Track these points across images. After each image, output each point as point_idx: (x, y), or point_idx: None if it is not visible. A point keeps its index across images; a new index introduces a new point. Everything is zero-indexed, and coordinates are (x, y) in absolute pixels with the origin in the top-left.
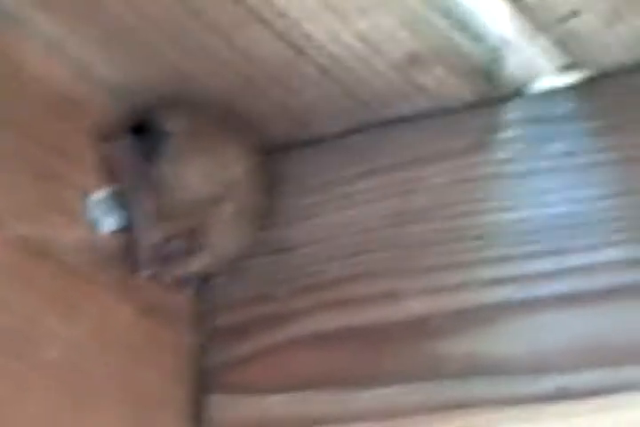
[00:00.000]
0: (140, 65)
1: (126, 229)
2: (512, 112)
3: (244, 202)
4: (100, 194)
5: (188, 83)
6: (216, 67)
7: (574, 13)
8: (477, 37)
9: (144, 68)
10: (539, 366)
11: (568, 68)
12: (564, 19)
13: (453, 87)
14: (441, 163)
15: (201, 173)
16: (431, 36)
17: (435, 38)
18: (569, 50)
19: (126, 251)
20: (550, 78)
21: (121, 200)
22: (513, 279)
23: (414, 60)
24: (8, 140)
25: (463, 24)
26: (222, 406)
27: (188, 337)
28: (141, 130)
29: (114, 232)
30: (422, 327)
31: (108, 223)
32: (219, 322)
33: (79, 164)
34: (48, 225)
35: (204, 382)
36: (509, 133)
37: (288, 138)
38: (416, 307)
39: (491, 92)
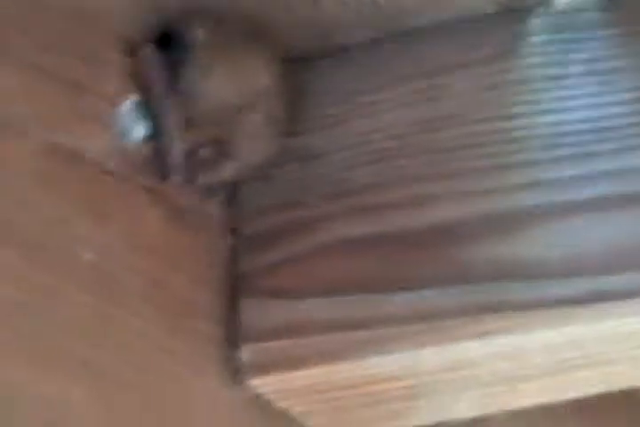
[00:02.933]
0: None
1: (155, 138)
2: (537, 21)
3: (270, 110)
4: (127, 103)
5: None
6: None
7: None
8: None
9: None
10: (572, 270)
11: None
12: None
13: None
14: (467, 70)
15: (226, 82)
16: None
17: None
18: None
19: (156, 158)
20: None
21: (148, 109)
22: (544, 183)
23: None
24: (33, 51)
25: None
26: (253, 310)
27: (217, 243)
28: (167, 40)
29: (144, 140)
30: (453, 232)
31: (137, 131)
32: (248, 228)
33: (106, 73)
34: (77, 133)
35: (234, 288)
36: (535, 40)
37: (312, 48)
38: (446, 211)
39: (515, 2)
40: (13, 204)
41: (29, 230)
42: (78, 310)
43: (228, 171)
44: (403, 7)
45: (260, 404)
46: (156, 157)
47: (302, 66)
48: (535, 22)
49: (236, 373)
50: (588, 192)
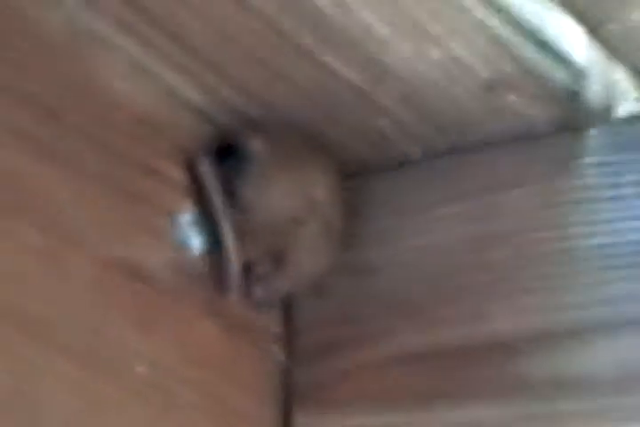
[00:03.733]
0: (224, 87)
1: (213, 250)
2: (596, 138)
3: (326, 223)
4: (186, 215)
5: (269, 107)
6: (297, 94)
7: None
8: (561, 61)
9: (228, 91)
10: (624, 387)
11: None
12: None
13: (532, 115)
14: (523, 187)
15: (284, 195)
16: (516, 60)
17: (519, 62)
18: None
19: (213, 272)
20: (634, 104)
21: (207, 222)
22: (597, 302)
23: (497, 84)
24: (96, 162)
25: (547, 48)
26: (306, 423)
27: (273, 356)
28: (225, 152)
29: (201, 253)
30: (508, 348)
31: (196, 244)
32: (304, 341)
33: (165, 185)
34: (136, 245)
35: (289, 401)
36: (594, 159)
37: (369, 162)
38: (502, 328)
39: (574, 118)
40: (72, 316)
41: (86, 340)
42: (132, 421)
43: (283, 284)
44: (461, 120)
45: None
46: (213, 270)
47: (359, 180)
48: (592, 141)
49: None
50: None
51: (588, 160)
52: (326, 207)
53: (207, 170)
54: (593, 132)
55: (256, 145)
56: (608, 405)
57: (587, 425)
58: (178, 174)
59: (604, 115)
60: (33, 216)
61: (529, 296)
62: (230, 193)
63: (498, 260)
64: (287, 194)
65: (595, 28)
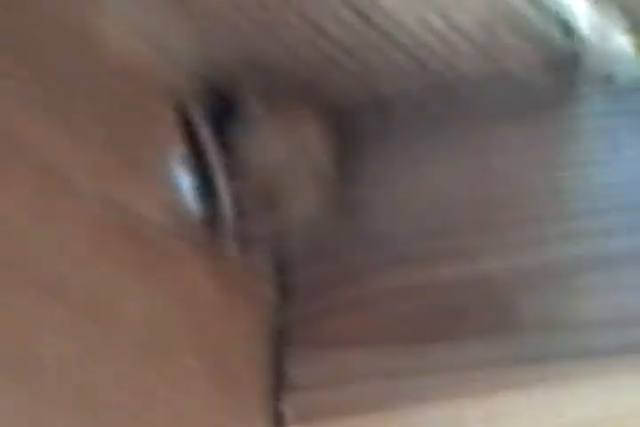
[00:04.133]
0: (216, 36)
1: (205, 190)
2: (592, 105)
3: (317, 164)
4: (177, 155)
5: (262, 53)
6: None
7: None
8: (563, 27)
9: (221, 40)
10: (618, 320)
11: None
12: None
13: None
14: (519, 125)
15: (274, 136)
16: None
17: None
18: None
19: (205, 210)
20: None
21: (198, 162)
22: (595, 233)
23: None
24: (84, 104)
25: (549, 14)
26: (301, 360)
27: (264, 294)
28: (216, 94)
29: (192, 195)
30: (500, 283)
31: (187, 184)
32: (295, 279)
33: (155, 126)
34: (126, 186)
35: (282, 338)
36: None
37: (359, 102)
38: (491, 262)
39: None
40: (66, 260)
41: (80, 284)
42: (131, 363)
43: (273, 222)
44: (449, 63)
45: None
46: (205, 211)
47: (349, 120)
48: (591, 106)
49: (280, 422)
50: (632, 242)
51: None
52: (316, 149)
53: (198, 113)
54: (592, 97)
55: (245, 88)
56: (600, 342)
57: (576, 368)
58: (169, 116)
59: (604, 81)
60: (26, 161)
61: (523, 227)
62: (221, 135)
63: (487, 193)
64: (277, 136)
65: None
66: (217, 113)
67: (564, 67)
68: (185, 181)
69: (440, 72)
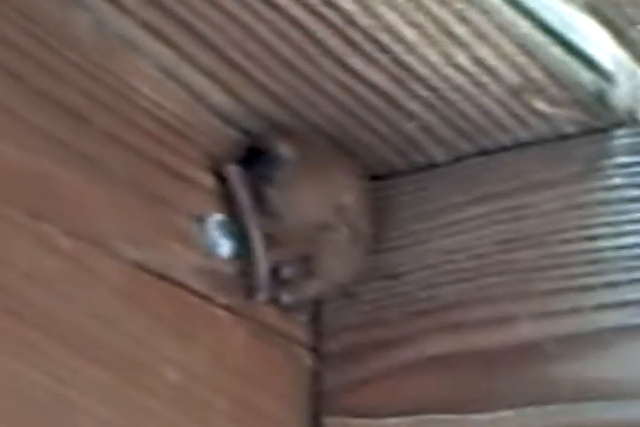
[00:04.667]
0: (251, 92)
1: (241, 255)
2: (623, 139)
3: (354, 228)
4: (214, 219)
5: (297, 112)
6: (324, 98)
7: None
8: (588, 64)
9: (255, 96)
10: None
11: None
12: None
13: (557, 119)
14: (551, 189)
15: (312, 199)
16: (545, 62)
17: (545, 66)
18: None
19: (241, 277)
20: None
21: (235, 226)
22: (624, 304)
23: (526, 86)
24: (122, 166)
25: (574, 51)
26: None
27: (302, 361)
28: (254, 157)
29: (229, 257)
30: (535, 352)
31: (224, 249)
32: (332, 346)
33: (192, 189)
34: (163, 250)
35: (318, 406)
36: (621, 160)
37: (396, 166)
38: (528, 331)
39: (601, 120)
40: (101, 321)
41: (118, 347)
42: None
43: (312, 289)
44: (481, 128)
45: None
46: (241, 275)
47: (386, 183)
48: (617, 142)
49: None
50: None
51: (613, 161)
52: (354, 212)
53: (235, 174)
54: (619, 133)
55: (284, 150)
56: (636, 413)
57: None
58: (206, 179)
59: (629, 117)
60: (63, 221)
61: (555, 298)
62: (258, 198)
63: (524, 261)
64: (315, 199)
65: (620, 32)
66: (255, 174)
67: (588, 104)
68: (223, 248)
69: (473, 138)
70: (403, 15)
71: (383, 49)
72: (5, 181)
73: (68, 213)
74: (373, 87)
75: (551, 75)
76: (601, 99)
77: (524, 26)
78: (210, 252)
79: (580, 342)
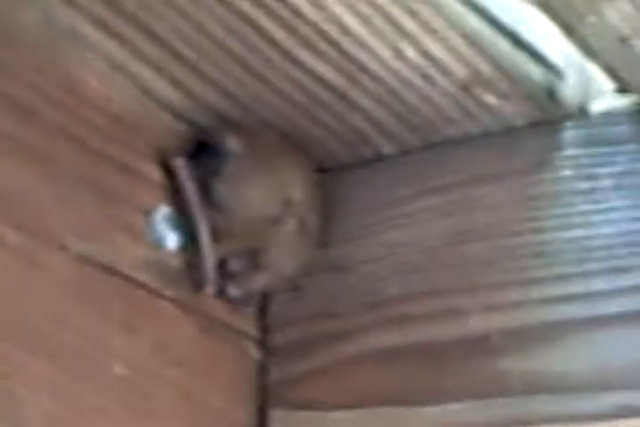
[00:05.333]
0: (200, 87)
1: (189, 248)
2: (572, 132)
3: (302, 221)
4: (161, 212)
5: (246, 106)
6: (273, 92)
7: (623, 40)
8: (537, 59)
9: (204, 90)
10: (600, 384)
11: (622, 91)
12: (614, 45)
13: (507, 113)
14: (500, 181)
15: (259, 193)
16: (494, 56)
17: (497, 58)
18: (621, 75)
19: (189, 268)
20: (609, 100)
21: (182, 219)
22: (573, 297)
23: (475, 80)
24: (69, 160)
25: (523, 46)
26: (283, 422)
27: (249, 354)
28: (201, 151)
29: (176, 250)
30: (483, 345)
31: (171, 242)
32: (280, 339)
33: (140, 182)
34: (111, 244)
35: (265, 399)
36: (570, 153)
37: (343, 159)
38: (476, 324)
39: (550, 113)
40: (48, 315)
41: (62, 341)
42: (113, 423)
43: (259, 282)
44: (430, 122)
45: None
46: (188, 269)
47: (334, 176)
48: (567, 135)
49: None
50: (616, 307)
51: (562, 154)
52: (302, 206)
53: (183, 168)
54: (568, 126)
55: (232, 144)
56: (582, 406)
57: None
58: (154, 173)
59: (579, 111)
60: (9, 215)
61: (502, 291)
62: (206, 191)
63: (472, 254)
64: (263, 193)
65: (569, 27)
66: (203, 167)
67: (538, 98)
68: (170, 241)
69: (420, 129)
70: (351, 8)
71: (332, 43)
72: None
73: (15, 206)
74: (322, 81)
75: (500, 69)
76: (550, 93)
77: (474, 20)
78: (157, 245)
79: (526, 335)
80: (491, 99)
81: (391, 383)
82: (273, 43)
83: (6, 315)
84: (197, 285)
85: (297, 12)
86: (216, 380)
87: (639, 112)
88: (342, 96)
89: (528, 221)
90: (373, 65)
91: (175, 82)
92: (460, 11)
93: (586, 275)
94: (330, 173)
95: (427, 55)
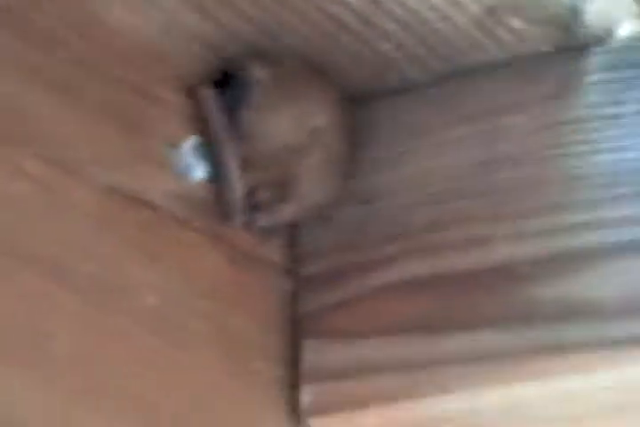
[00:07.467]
0: (226, 15)
1: (215, 179)
2: (599, 57)
3: (330, 150)
4: (187, 143)
5: (271, 35)
6: (298, 20)
7: None
8: None
9: (230, 19)
10: (631, 310)
11: None
12: None
13: (533, 37)
14: (527, 108)
15: (286, 122)
16: None
17: None
18: None
19: (216, 199)
20: (634, 24)
21: (209, 150)
22: (603, 223)
23: (502, 4)
24: (94, 90)
25: None
26: (315, 350)
27: (278, 284)
28: (227, 80)
29: (203, 181)
30: (513, 272)
31: (197, 172)
32: (310, 269)
33: (166, 112)
34: (137, 174)
35: (296, 329)
36: (596, 78)
37: (370, 88)
38: (507, 252)
39: (576, 38)
40: (75, 245)
41: (89, 273)
42: (142, 354)
43: (287, 213)
44: (456, 47)
45: None
46: (215, 198)
47: (361, 106)
48: (593, 60)
49: (296, 413)
50: None
51: (589, 79)
52: (329, 135)
53: (209, 98)
54: (594, 51)
55: (258, 73)
56: (613, 332)
57: (592, 354)
58: (180, 102)
59: (604, 35)
60: (34, 145)
61: (533, 219)
62: (232, 121)
63: (501, 182)
64: (289, 122)
65: None
66: (229, 97)
67: (564, 22)
68: (197, 171)
69: (447, 57)
70: None
71: None
72: None
73: (39, 137)
74: (348, 7)
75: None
76: (576, 16)
77: None
78: (184, 175)
79: (557, 261)
80: (516, 23)
81: (422, 312)
82: None
83: (33, 247)
84: (225, 215)
85: None
86: (247, 311)
87: None
88: (368, 22)
89: (556, 148)
90: None
91: (202, 10)
92: None
93: (614, 200)
94: (358, 103)
95: None
